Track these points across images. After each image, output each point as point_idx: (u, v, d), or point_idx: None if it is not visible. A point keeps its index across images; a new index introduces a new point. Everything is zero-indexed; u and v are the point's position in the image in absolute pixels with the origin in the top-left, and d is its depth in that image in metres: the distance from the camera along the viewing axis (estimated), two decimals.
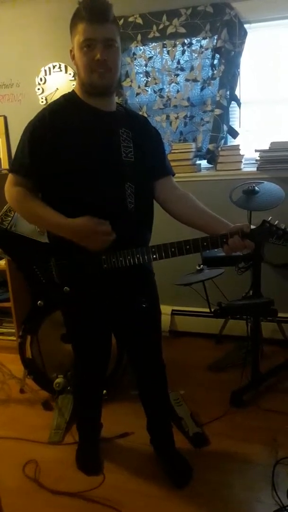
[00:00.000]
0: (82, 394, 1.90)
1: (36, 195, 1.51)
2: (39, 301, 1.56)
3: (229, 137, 2.88)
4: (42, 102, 3.09)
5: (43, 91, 3.09)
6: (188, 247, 1.41)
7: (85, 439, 1.94)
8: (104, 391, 2.12)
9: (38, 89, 3.09)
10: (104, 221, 1.42)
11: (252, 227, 1.44)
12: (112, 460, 1.92)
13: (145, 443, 1.91)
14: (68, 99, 1.51)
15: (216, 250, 1.52)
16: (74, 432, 2.03)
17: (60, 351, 2.24)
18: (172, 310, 3.07)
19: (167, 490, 1.74)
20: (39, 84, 3.08)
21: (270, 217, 1.44)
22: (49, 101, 3.01)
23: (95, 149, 1.47)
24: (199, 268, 2.33)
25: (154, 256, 1.44)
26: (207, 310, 2.36)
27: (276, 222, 1.42)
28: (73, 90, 1.52)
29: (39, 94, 3.10)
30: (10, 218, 2.12)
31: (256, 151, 2.73)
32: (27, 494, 1.76)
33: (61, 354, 2.24)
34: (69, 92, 1.53)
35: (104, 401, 2.02)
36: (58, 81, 3.05)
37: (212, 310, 2.21)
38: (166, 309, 3.02)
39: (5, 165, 3.21)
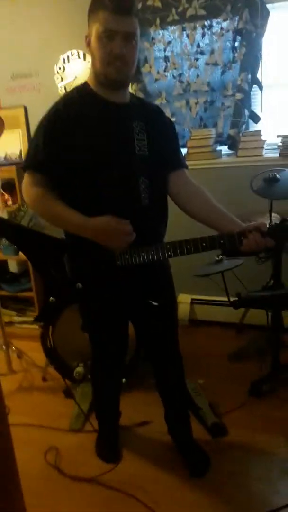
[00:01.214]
0: (100, 383, 1.93)
1: (54, 194, 1.49)
2: (51, 298, 1.56)
3: (250, 122, 2.80)
4: (61, 91, 3.08)
5: (62, 80, 3.07)
6: (204, 244, 1.39)
7: (104, 427, 1.98)
8: (124, 380, 2.15)
9: (57, 78, 3.08)
10: (125, 221, 1.40)
11: (275, 215, 1.40)
12: (131, 448, 1.95)
13: (164, 432, 1.93)
14: (80, 92, 1.49)
15: None
16: (94, 419, 2.06)
17: (80, 340, 2.27)
18: (192, 299, 3.07)
19: (184, 479, 1.76)
20: (57, 73, 3.07)
21: None
22: (68, 90, 3.03)
23: (108, 143, 1.45)
24: (218, 258, 2.30)
25: (169, 253, 1.43)
26: (227, 299, 2.34)
27: None
28: (85, 82, 1.50)
29: (58, 83, 3.08)
30: (22, 213, 2.13)
31: (278, 136, 2.65)
32: (48, 480, 1.82)
33: (81, 343, 2.26)
34: (81, 84, 1.51)
35: (123, 389, 2.05)
36: (77, 69, 3.02)
37: (231, 300, 2.19)
38: (185, 298, 3.01)
39: None
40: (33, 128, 3.17)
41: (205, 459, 1.83)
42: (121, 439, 1.98)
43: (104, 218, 1.41)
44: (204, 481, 1.75)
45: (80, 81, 2.93)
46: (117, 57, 1.36)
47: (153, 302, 1.55)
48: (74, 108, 1.45)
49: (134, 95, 1.58)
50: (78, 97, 1.48)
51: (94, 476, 1.79)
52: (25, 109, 3.22)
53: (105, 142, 1.45)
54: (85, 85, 1.50)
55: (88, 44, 1.41)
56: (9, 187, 2.94)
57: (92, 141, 1.44)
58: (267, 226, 1.37)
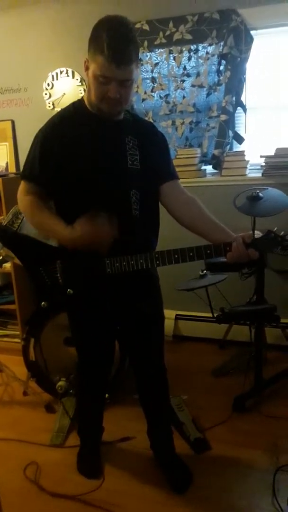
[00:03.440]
0: (85, 397, 1.91)
1: (47, 204, 1.54)
2: (43, 302, 1.58)
3: (234, 142, 2.89)
4: (49, 107, 3.13)
5: (50, 96, 3.12)
6: (191, 254, 1.42)
7: (86, 442, 1.95)
8: (107, 395, 2.13)
9: (46, 94, 3.13)
10: (95, 213, 1.41)
11: (257, 232, 1.44)
12: (113, 464, 1.92)
13: (146, 447, 1.91)
14: (77, 107, 1.53)
15: None
16: (75, 435, 2.04)
17: (63, 354, 2.26)
18: (176, 315, 3.08)
19: (167, 495, 1.74)
20: (46, 89, 3.12)
21: (276, 228, 1.44)
22: (56, 106, 3.09)
23: (101, 157, 1.49)
24: (202, 273, 2.33)
25: (157, 262, 1.45)
26: (211, 315, 2.37)
27: (282, 233, 1.42)
28: (82, 98, 1.54)
29: (46, 99, 3.13)
30: (19, 221, 2.17)
31: (261, 156, 2.73)
32: (27, 496, 1.77)
33: (64, 357, 2.25)
34: (78, 100, 1.56)
35: (106, 405, 2.04)
36: (65, 86, 3.08)
37: (215, 315, 2.21)
38: (170, 314, 3.02)
39: (12, 169, 3.25)
40: (20, 141, 3.26)
41: (187, 474, 1.81)
42: (103, 454, 1.95)
43: (80, 226, 1.42)
44: (186, 497, 1.73)
45: (67, 97, 3.03)
46: (111, 99, 1.39)
47: (143, 306, 1.58)
48: (69, 123, 1.50)
49: (128, 112, 1.61)
50: (74, 112, 1.52)
51: (75, 493, 1.75)
52: (13, 123, 3.25)
53: (98, 156, 1.49)
54: (81, 101, 1.54)
55: (86, 69, 1.41)
56: None
57: (86, 155, 1.47)
58: (252, 237, 1.41)
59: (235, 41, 2.65)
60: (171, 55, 2.85)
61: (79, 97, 1.58)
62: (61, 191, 1.52)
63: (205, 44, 2.76)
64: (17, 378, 2.45)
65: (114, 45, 1.30)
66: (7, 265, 2.92)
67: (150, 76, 2.92)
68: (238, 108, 2.79)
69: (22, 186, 1.55)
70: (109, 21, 1.34)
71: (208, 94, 2.83)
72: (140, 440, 1.98)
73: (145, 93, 2.95)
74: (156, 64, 2.89)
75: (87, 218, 1.42)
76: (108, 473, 1.87)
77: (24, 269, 1.64)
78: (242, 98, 2.78)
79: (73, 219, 1.50)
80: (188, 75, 2.85)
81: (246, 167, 2.80)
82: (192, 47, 2.79)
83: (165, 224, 1.68)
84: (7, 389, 2.50)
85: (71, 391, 2.27)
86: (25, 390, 2.45)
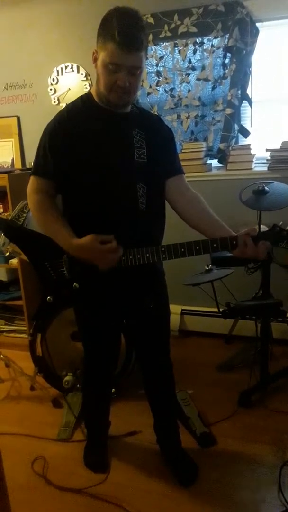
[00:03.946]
0: (91, 392, 1.92)
1: (55, 203, 1.55)
2: (48, 297, 1.59)
3: (240, 136, 2.87)
4: (55, 102, 3.12)
5: (55, 92, 3.12)
6: (198, 248, 1.42)
7: (93, 436, 1.97)
8: (113, 390, 2.14)
9: (51, 89, 3.12)
10: (109, 237, 1.43)
11: (263, 227, 1.44)
12: (119, 458, 1.94)
13: (152, 442, 1.92)
14: (84, 101, 1.53)
15: None
16: (82, 429, 2.06)
17: (70, 349, 2.27)
18: (182, 310, 3.08)
19: (173, 489, 1.75)
20: (51, 84, 3.11)
21: (281, 222, 1.43)
22: (61, 102, 3.08)
23: (109, 150, 1.49)
24: (208, 268, 2.33)
25: (164, 256, 1.45)
26: (217, 310, 2.36)
27: (287, 228, 1.41)
28: (89, 92, 1.54)
29: (52, 95, 3.13)
30: (25, 215, 2.20)
31: (267, 150, 2.71)
32: (35, 489, 1.79)
33: (71, 352, 2.27)
34: (85, 94, 1.56)
35: (112, 399, 2.05)
36: (70, 81, 3.07)
37: (221, 310, 2.21)
38: (175, 309, 3.02)
39: (18, 165, 3.25)
40: (25, 137, 3.26)
41: (193, 468, 1.82)
42: (110, 449, 1.97)
43: (87, 239, 1.43)
44: (192, 491, 1.74)
45: (73, 92, 3.03)
46: (120, 87, 1.39)
47: (148, 300, 1.59)
48: (77, 116, 1.50)
49: (135, 105, 1.61)
50: (82, 106, 1.53)
51: (82, 487, 1.76)
52: (18, 119, 3.25)
53: (106, 149, 1.49)
54: (88, 95, 1.54)
55: (95, 60, 1.42)
56: (1, 195, 2.94)
57: (93, 148, 1.48)
58: (257, 231, 1.40)
59: (240, 34, 2.62)
60: (176, 48, 2.82)
61: (84, 92, 1.59)
62: (68, 185, 1.53)
63: (210, 37, 2.73)
64: (24, 373, 2.47)
65: (125, 32, 1.31)
66: (14, 261, 2.93)
67: (155, 69, 2.90)
68: (244, 101, 2.77)
69: (32, 183, 1.56)
70: (118, 10, 1.36)
71: (213, 88, 2.81)
72: (146, 434, 2.00)
73: (150, 87, 2.93)
74: (161, 57, 2.87)
75: (99, 236, 1.43)
76: (115, 467, 1.89)
77: (30, 263, 1.65)
78: (248, 91, 2.76)
79: (81, 213, 1.52)
80: (193, 69, 2.83)
81: (252, 161, 2.78)
82: (197, 40, 2.77)
83: (169, 217, 1.67)
84: (15, 384, 2.52)
85: (78, 385, 2.28)
86: (32, 385, 2.47)
